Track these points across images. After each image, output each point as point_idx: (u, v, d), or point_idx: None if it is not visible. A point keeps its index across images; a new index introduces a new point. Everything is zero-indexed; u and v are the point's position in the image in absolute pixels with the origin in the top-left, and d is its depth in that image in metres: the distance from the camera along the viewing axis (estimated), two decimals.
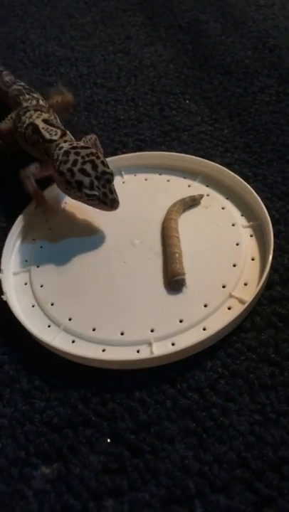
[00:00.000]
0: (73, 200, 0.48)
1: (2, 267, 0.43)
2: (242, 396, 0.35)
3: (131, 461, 0.33)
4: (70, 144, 0.44)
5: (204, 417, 0.34)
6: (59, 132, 0.47)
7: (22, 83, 0.60)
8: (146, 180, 0.50)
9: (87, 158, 0.43)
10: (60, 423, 0.35)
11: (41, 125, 0.48)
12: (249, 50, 0.66)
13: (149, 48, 0.70)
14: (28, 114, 0.51)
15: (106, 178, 0.42)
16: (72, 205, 0.49)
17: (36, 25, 0.82)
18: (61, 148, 0.44)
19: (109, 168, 0.43)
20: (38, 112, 0.51)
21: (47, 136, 0.47)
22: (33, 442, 0.35)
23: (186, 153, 0.51)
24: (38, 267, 0.44)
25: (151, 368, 0.37)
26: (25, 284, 0.44)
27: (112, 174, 0.43)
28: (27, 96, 0.56)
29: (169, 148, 0.54)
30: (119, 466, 0.33)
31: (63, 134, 0.47)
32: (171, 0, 0.79)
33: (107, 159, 0.51)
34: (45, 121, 0.49)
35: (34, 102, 0.54)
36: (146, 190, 0.49)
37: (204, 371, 0.36)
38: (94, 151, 0.44)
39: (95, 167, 0.42)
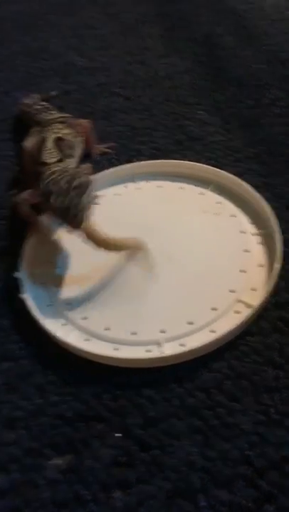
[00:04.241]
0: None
1: (22, 267, 0.45)
2: (247, 397, 0.36)
3: (139, 455, 0.34)
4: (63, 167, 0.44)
5: (210, 416, 0.36)
6: (58, 157, 0.47)
7: (43, 103, 0.62)
8: (159, 187, 0.52)
9: (67, 174, 0.42)
10: (72, 417, 0.37)
11: (49, 144, 0.49)
12: (262, 63, 0.68)
13: (166, 59, 0.72)
14: (51, 127, 0.52)
15: (76, 193, 0.40)
16: None
17: (57, 35, 0.85)
18: (51, 171, 0.44)
19: (84, 186, 0.41)
20: (59, 127, 0.52)
21: (44, 157, 0.47)
22: (46, 434, 0.36)
23: (199, 162, 0.53)
24: (55, 268, 0.46)
25: (160, 367, 0.38)
26: (42, 283, 0.46)
27: (84, 189, 0.41)
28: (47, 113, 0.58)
29: (182, 157, 0.56)
30: (128, 460, 0.34)
31: (60, 160, 0.46)
32: (188, 13, 0.82)
33: (121, 166, 0.54)
34: (59, 139, 0.50)
35: (55, 116, 0.56)
36: (160, 196, 0.51)
37: (211, 372, 0.38)
38: (80, 173, 0.43)
39: (69, 182, 0.41)
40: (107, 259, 0.46)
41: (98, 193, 0.51)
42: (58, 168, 0.45)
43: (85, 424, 0.37)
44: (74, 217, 0.40)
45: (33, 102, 0.63)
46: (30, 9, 0.96)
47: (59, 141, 0.50)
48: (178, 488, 0.32)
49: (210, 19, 0.79)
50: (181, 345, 0.39)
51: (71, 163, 0.48)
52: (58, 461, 0.35)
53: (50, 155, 0.48)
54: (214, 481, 0.32)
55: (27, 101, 0.64)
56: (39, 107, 0.61)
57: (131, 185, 0.52)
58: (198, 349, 0.38)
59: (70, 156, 0.49)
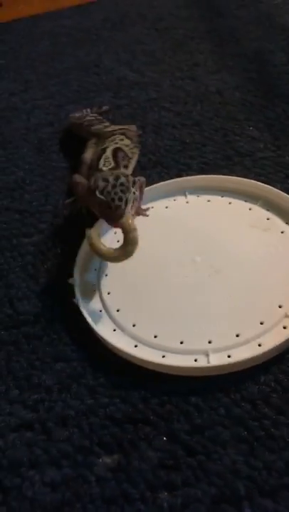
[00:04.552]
0: (140, 216, 0.53)
1: (75, 273, 0.48)
2: None
3: (185, 459, 0.36)
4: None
5: (255, 427, 0.37)
6: (113, 164, 0.50)
7: (94, 114, 0.66)
8: (208, 201, 0.53)
9: (116, 173, 0.46)
10: (121, 418, 0.39)
11: (108, 153, 0.52)
12: None
13: (216, 75, 0.74)
14: (112, 138, 0.55)
15: (121, 189, 0.43)
16: (138, 221, 0.53)
17: (109, 50, 0.88)
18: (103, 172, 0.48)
19: (130, 184, 0.45)
20: (120, 138, 0.55)
21: (100, 165, 0.50)
22: (96, 433, 0.38)
23: (248, 178, 0.54)
24: (106, 275, 0.49)
25: (207, 376, 0.40)
26: (94, 290, 0.48)
27: (128, 188, 0.44)
28: (101, 125, 0.61)
29: (231, 172, 0.57)
30: (174, 463, 0.36)
31: (114, 168, 0.49)
32: (238, 29, 0.83)
33: (171, 180, 0.56)
34: (118, 150, 0.53)
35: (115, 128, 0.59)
36: (209, 211, 0.52)
37: (257, 384, 0.39)
38: (128, 176, 0.46)
39: (116, 178, 0.44)
40: (157, 268, 0.48)
41: (149, 205, 0.54)
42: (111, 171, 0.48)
43: (133, 426, 0.38)
44: (115, 210, 0.43)
45: (84, 115, 0.66)
46: (83, 25, 1.00)
47: (117, 151, 0.53)
48: (223, 493, 0.34)
49: (260, 35, 0.80)
50: (228, 356, 0.40)
51: (125, 171, 0.51)
52: (107, 460, 0.37)
53: (107, 163, 0.51)
54: (259, 489, 0.33)
55: (78, 115, 0.68)
56: (92, 118, 0.65)
57: (180, 199, 0.54)
58: (245, 361, 0.39)
59: (125, 166, 0.53)
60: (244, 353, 0.40)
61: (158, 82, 0.76)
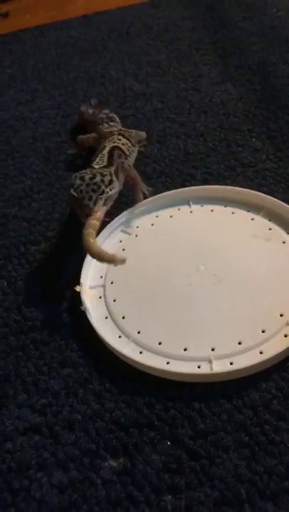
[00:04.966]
0: (144, 225, 0.54)
1: (81, 281, 0.49)
2: None
3: (189, 463, 0.37)
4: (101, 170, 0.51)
5: (257, 432, 0.38)
6: (105, 163, 0.53)
7: (106, 111, 0.70)
8: (212, 211, 0.55)
9: (95, 172, 0.50)
10: (126, 423, 0.40)
11: (104, 151, 0.56)
12: None
13: (220, 86, 0.75)
14: (111, 138, 0.59)
15: (92, 189, 0.47)
16: (143, 229, 0.54)
17: (115, 61, 0.90)
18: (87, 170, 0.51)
19: (105, 184, 0.48)
20: (118, 137, 0.59)
21: (93, 162, 0.54)
22: (102, 437, 0.40)
23: (251, 188, 0.55)
24: (111, 283, 0.50)
25: (210, 382, 0.41)
26: (100, 297, 0.49)
27: (99, 187, 0.48)
28: (109, 124, 0.65)
29: (234, 183, 0.59)
30: (177, 467, 0.37)
31: (106, 167, 0.52)
32: (242, 41, 0.85)
33: (176, 190, 0.57)
34: (115, 148, 0.56)
35: (116, 128, 0.63)
36: (212, 220, 0.54)
37: (259, 391, 0.40)
38: (107, 175, 0.50)
39: (92, 178, 0.48)
40: (162, 276, 0.49)
41: (153, 214, 0.56)
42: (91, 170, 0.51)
43: (138, 430, 0.39)
44: (83, 208, 0.47)
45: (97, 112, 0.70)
46: (89, 35, 1.02)
47: (114, 149, 0.56)
48: (225, 497, 0.35)
49: (263, 47, 0.82)
50: (230, 363, 0.41)
51: (108, 170, 0.52)
52: (113, 463, 0.38)
53: (100, 161, 0.54)
54: (260, 493, 0.34)
55: (91, 111, 0.72)
56: (104, 116, 0.69)
57: (185, 208, 0.56)
58: (247, 369, 0.40)
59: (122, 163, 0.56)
60: (246, 360, 0.41)
61: (163, 92, 0.77)
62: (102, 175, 0.50)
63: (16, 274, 0.54)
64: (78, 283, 0.49)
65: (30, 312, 0.50)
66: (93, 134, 0.65)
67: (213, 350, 0.42)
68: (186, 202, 0.56)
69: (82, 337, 0.47)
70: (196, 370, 0.41)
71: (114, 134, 0.61)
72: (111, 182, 0.50)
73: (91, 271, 0.52)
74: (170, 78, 0.80)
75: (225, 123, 0.68)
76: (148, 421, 0.40)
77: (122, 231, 0.55)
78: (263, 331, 0.42)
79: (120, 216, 0.55)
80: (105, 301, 0.49)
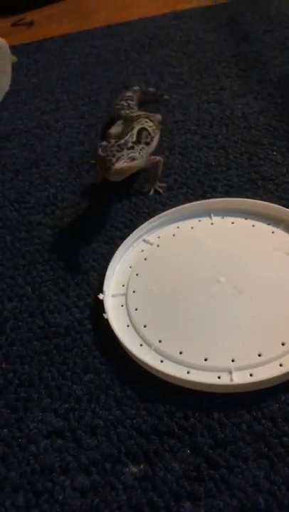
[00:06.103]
0: (166, 236, 0.56)
1: (104, 289, 0.51)
2: None
3: (208, 472, 0.38)
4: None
5: (276, 444, 0.38)
6: (134, 139, 0.62)
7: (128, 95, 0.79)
8: (232, 223, 0.56)
9: (120, 140, 0.58)
10: (147, 430, 0.41)
11: (134, 131, 0.64)
12: None
13: (241, 99, 0.76)
14: (139, 120, 0.67)
15: (117, 149, 0.55)
16: (165, 240, 0.56)
17: (138, 72, 0.92)
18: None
19: (126, 147, 0.56)
20: (146, 120, 0.67)
21: (125, 137, 0.60)
22: (124, 443, 0.41)
23: (271, 201, 0.56)
24: (133, 292, 0.51)
25: (230, 393, 0.42)
26: (122, 306, 0.51)
27: (122, 149, 0.56)
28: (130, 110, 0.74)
29: (254, 195, 0.59)
30: (197, 475, 0.38)
31: (135, 142, 0.61)
32: (264, 55, 0.86)
33: (197, 202, 0.59)
34: (143, 129, 0.64)
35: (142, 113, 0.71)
36: (233, 232, 0.55)
37: (278, 403, 0.41)
38: (129, 142, 0.58)
39: (116, 141, 0.57)
40: (183, 286, 0.50)
41: (175, 225, 0.57)
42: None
43: (159, 438, 0.41)
44: (106, 163, 0.55)
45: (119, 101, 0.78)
46: (112, 45, 1.04)
47: (142, 130, 0.64)
48: (244, 506, 0.36)
49: (285, 61, 0.83)
50: (250, 375, 0.42)
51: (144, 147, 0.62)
52: (133, 469, 0.39)
53: (130, 138, 0.61)
54: (278, 503, 0.35)
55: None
56: (124, 103, 0.76)
57: (205, 220, 0.57)
58: (267, 381, 0.41)
59: (147, 143, 0.64)
60: (266, 372, 0.42)
61: (185, 104, 0.79)
62: (127, 141, 0.58)
63: (40, 280, 0.56)
64: (101, 291, 0.51)
65: (53, 318, 0.51)
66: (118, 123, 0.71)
67: (233, 361, 0.43)
68: (207, 213, 0.57)
69: (105, 344, 0.48)
70: (216, 381, 0.42)
71: (140, 117, 0.68)
72: (132, 147, 0.58)
73: (114, 279, 0.53)
74: (192, 90, 0.82)
75: (246, 136, 0.69)
76: (168, 429, 0.41)
77: (143, 241, 0.57)
78: (282, 344, 0.43)
79: (142, 226, 0.57)
80: (127, 310, 0.50)
